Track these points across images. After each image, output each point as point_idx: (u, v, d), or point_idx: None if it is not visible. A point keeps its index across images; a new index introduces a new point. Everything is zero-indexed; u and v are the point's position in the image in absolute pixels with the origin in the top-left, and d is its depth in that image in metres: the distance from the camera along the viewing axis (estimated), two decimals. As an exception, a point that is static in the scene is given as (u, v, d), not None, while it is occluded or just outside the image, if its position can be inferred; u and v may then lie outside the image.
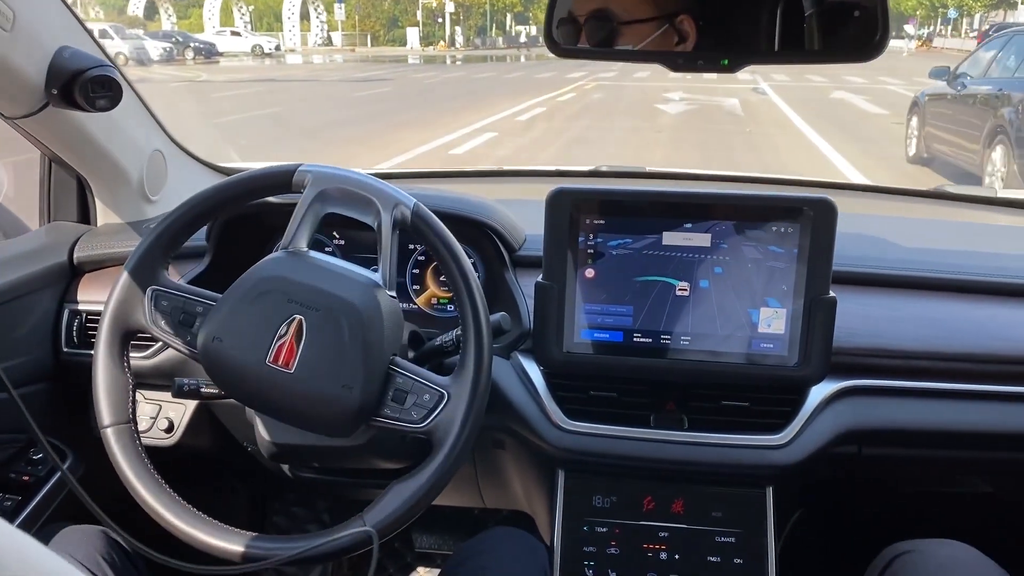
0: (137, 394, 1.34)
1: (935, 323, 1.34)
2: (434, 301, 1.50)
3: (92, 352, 1.15)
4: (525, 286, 1.39)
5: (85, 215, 1.63)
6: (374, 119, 13.59)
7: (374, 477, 1.30)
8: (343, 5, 53.10)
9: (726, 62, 0.93)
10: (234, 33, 40.20)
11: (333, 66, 33.46)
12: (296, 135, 11.99)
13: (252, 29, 41.12)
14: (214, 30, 42.40)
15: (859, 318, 1.32)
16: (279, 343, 1.04)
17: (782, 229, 1.22)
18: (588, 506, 1.34)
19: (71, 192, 1.61)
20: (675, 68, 0.95)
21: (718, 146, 10.63)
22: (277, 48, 41.50)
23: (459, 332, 1.15)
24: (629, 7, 1.01)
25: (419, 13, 57.57)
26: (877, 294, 1.39)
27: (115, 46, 29.92)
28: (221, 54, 35.91)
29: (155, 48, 31.73)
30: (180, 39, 34.87)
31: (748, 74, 23.44)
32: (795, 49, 1.05)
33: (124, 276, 1.12)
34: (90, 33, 1.37)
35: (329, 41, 53.07)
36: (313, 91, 20.60)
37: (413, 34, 54.04)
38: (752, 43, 1.05)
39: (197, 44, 35.01)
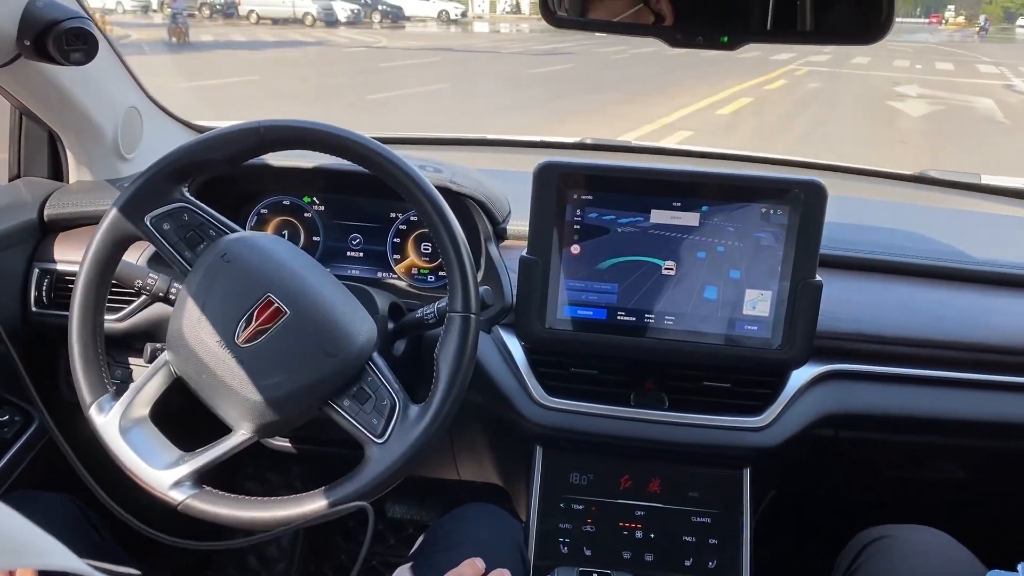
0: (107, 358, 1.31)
1: (917, 310, 1.34)
2: (415, 271, 1.48)
3: (65, 312, 1.13)
4: (508, 259, 1.37)
5: (57, 172, 1.58)
6: (541, 104, 11.80)
7: (345, 445, 1.28)
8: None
9: (726, 39, 0.91)
10: (423, -3, 39.33)
11: (517, 36, 30.74)
12: (447, 123, 9.79)
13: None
14: (405, -7, 41.94)
15: (843, 302, 1.32)
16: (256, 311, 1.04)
17: (771, 210, 1.21)
18: (565, 483, 1.33)
19: (42, 147, 1.55)
20: (673, 43, 0.93)
21: (999, 166, 7.80)
22: (464, 15, 39.36)
23: (440, 305, 1.13)
24: None
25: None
26: (861, 278, 1.39)
27: (303, 5, 30.11)
28: (408, 19, 35.11)
29: (343, 9, 31.36)
30: (369, 1, 34.27)
31: (994, 67, 20.75)
32: (790, 27, 1.02)
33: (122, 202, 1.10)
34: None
35: (518, 8, 50.19)
36: (488, 65, 18.75)
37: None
38: (745, 20, 1.03)
39: (384, 7, 34.25)
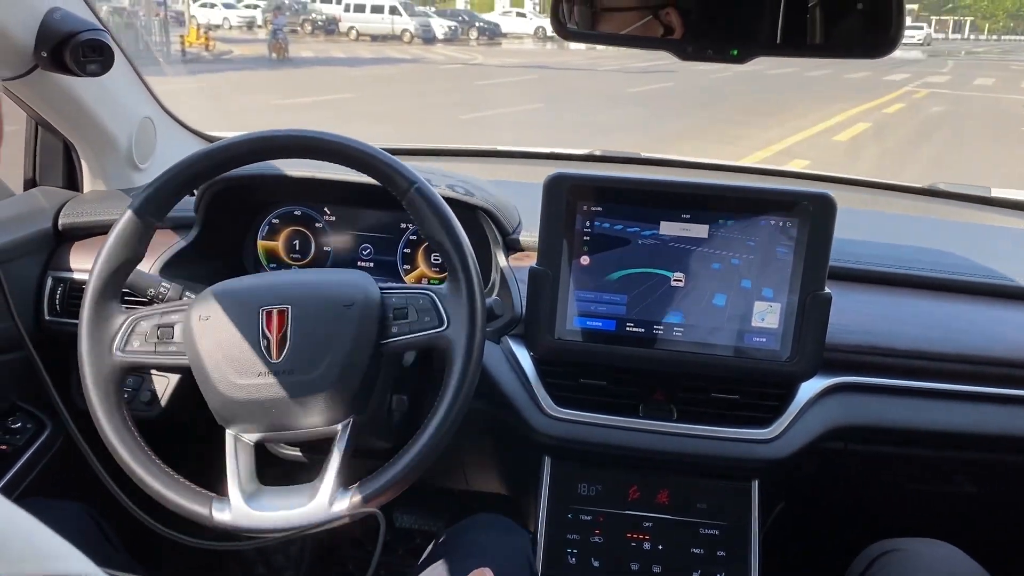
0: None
1: (927, 323, 1.34)
2: (424, 281, 1.48)
3: (75, 321, 1.13)
4: (518, 270, 1.38)
5: (71, 181, 1.59)
6: (639, 128, 11.01)
7: (358, 457, 1.29)
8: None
9: (735, 52, 0.91)
10: (519, 14, 39.25)
11: (613, 53, 28.09)
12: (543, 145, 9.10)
13: (539, 11, 39.94)
14: (502, 10, 41.49)
15: (852, 315, 1.32)
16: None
17: (780, 223, 1.21)
18: (573, 494, 1.33)
19: (57, 157, 1.57)
20: (684, 57, 0.93)
21: None
22: (560, 32, 40.14)
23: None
24: None
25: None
26: (870, 291, 1.39)
27: (402, 23, 30.69)
28: (504, 35, 35.46)
29: (440, 27, 32.08)
30: (466, 18, 35.24)
31: None
32: (800, 41, 1.03)
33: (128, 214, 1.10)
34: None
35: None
36: (584, 83, 18.05)
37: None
38: (754, 34, 1.03)
39: (481, 24, 34.72)
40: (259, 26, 30.91)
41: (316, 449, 1.42)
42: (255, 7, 32.64)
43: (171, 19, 25.15)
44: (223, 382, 1.03)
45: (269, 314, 1.04)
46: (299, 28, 28.59)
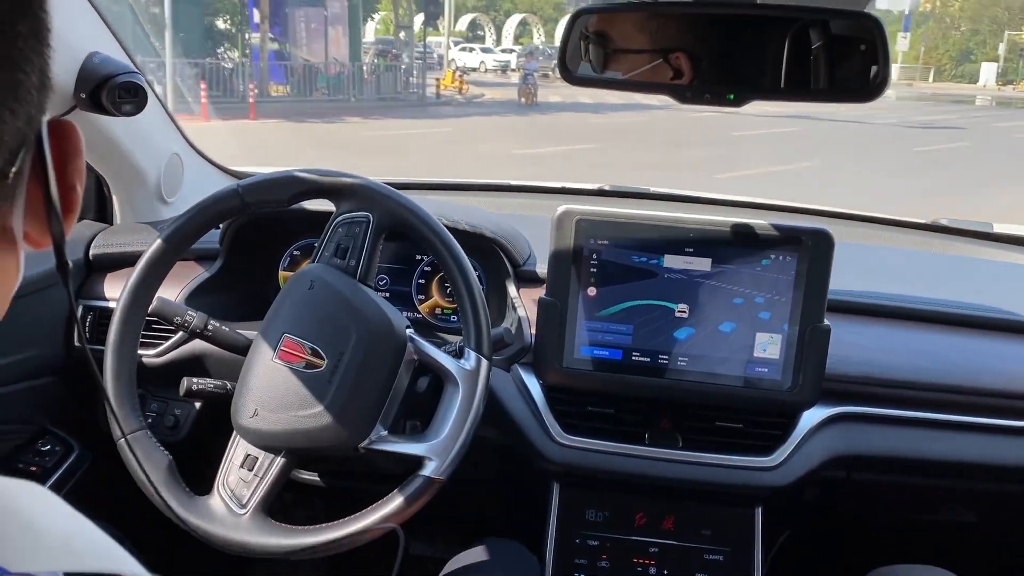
0: (143, 391, 1.39)
1: (926, 354, 1.38)
2: (438, 311, 1.54)
3: (103, 347, 1.20)
4: (528, 300, 1.43)
5: (102, 213, 1.66)
6: (951, 200, 9.32)
7: (373, 481, 1.33)
8: (907, 35, 43.49)
9: (732, 96, 0.97)
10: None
11: (883, 103, 23.94)
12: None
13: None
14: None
15: (852, 346, 1.36)
16: (300, 344, 1.14)
17: (780, 257, 1.26)
18: (581, 519, 1.37)
19: (90, 190, 1.64)
20: (683, 100, 0.99)
21: None
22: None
23: (461, 344, 1.18)
24: (625, 35, 1.04)
25: (1001, 47, 46.70)
26: (870, 324, 1.43)
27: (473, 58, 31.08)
28: None
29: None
30: None
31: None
32: (800, 86, 1.08)
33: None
34: (119, 40, 1.41)
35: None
36: (857, 139, 16.04)
37: (989, 70, 45.43)
38: (757, 79, 1.09)
39: None
40: (512, 70, 31.57)
41: (336, 474, 1.47)
42: (510, 51, 33.00)
43: (432, 62, 25.47)
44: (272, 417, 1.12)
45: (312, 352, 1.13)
46: (550, 72, 27.93)
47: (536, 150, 12.55)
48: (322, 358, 1.12)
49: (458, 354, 1.19)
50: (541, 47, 31.84)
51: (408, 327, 1.18)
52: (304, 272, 1.18)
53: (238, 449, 1.15)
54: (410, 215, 1.17)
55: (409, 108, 20.20)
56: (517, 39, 38.15)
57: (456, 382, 1.14)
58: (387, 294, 1.55)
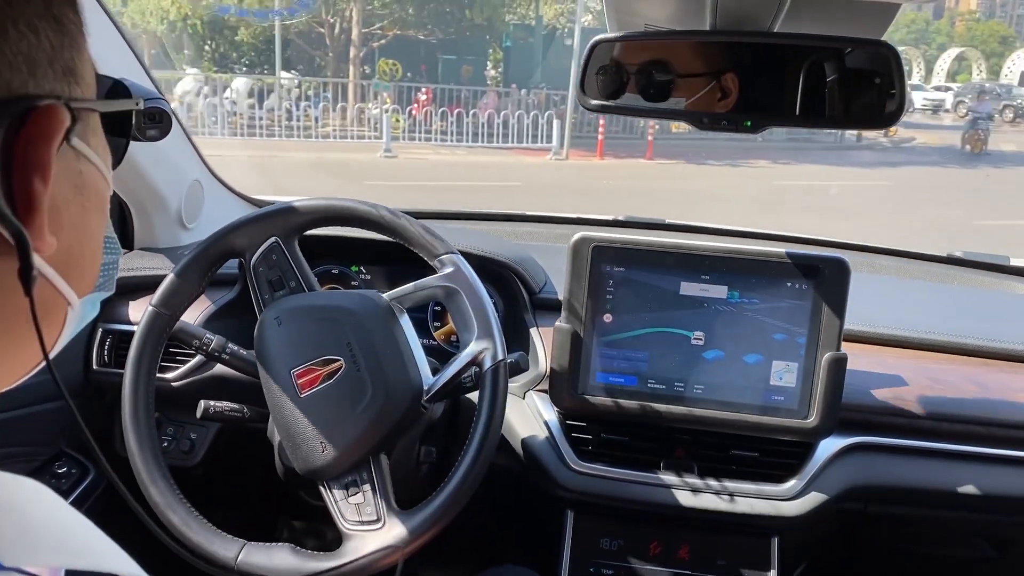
0: (158, 414, 1.39)
1: (943, 386, 1.37)
2: (453, 338, 1.54)
3: (122, 371, 1.21)
4: (543, 327, 1.43)
5: (124, 238, 1.68)
6: None
7: None
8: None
9: (748, 123, 0.98)
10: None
11: None
12: None
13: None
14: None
15: (869, 376, 1.35)
16: (310, 366, 1.11)
17: (797, 286, 1.26)
18: (595, 548, 1.36)
19: (112, 215, 1.66)
20: (700, 127, 1.00)
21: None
22: None
23: (477, 369, 1.19)
24: (687, 61, 1.05)
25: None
26: (888, 355, 1.42)
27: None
28: None
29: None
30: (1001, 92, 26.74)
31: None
32: (817, 113, 1.10)
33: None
34: (144, 66, 1.44)
35: None
36: None
37: None
38: (777, 106, 1.10)
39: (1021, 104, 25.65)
40: (946, 110, 26.71)
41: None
42: (946, 89, 28.54)
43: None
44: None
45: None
46: (998, 115, 23.10)
47: (1008, 221, 9.72)
48: (336, 360, 1.13)
49: (473, 381, 1.19)
50: (989, 86, 25.77)
51: (380, 293, 1.22)
52: (263, 320, 1.19)
53: (334, 490, 1.14)
54: (309, 211, 1.22)
55: (824, 151, 16.81)
56: (952, 76, 32.94)
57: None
58: None
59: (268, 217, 1.22)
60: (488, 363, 1.14)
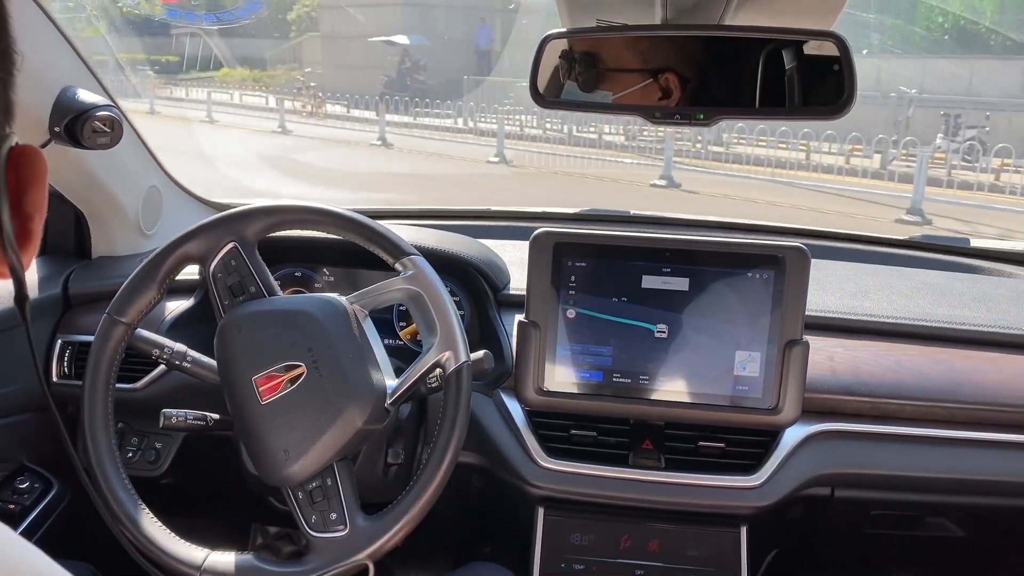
0: (123, 424, 1.38)
1: (904, 368, 1.38)
2: (419, 337, 1.53)
3: (82, 382, 1.19)
4: (509, 325, 1.43)
5: (81, 247, 1.66)
6: None
7: None
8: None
9: (701, 116, 0.98)
10: None
11: None
12: None
13: None
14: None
15: (831, 362, 1.37)
16: (272, 373, 1.10)
17: (758, 275, 1.26)
18: (566, 543, 1.36)
19: (68, 224, 1.64)
20: (654, 121, 1.00)
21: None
22: None
23: (441, 371, 1.18)
24: (617, 55, 1.06)
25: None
26: (848, 340, 1.44)
27: None
28: None
29: None
30: None
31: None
32: (773, 105, 1.10)
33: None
34: (95, 74, 1.42)
35: None
36: None
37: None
38: (733, 98, 1.11)
39: None
40: None
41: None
42: None
43: None
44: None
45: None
46: None
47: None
48: (298, 365, 1.12)
49: (437, 383, 1.19)
50: None
51: (341, 295, 1.21)
52: (223, 326, 1.18)
53: (299, 497, 1.13)
54: (268, 213, 1.21)
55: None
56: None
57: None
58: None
59: (225, 223, 1.21)
60: (451, 365, 1.14)
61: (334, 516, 1.11)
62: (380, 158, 12.01)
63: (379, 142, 12.64)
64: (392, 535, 1.09)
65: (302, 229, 1.24)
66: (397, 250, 1.18)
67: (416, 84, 16.46)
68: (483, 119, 13.62)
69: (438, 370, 1.18)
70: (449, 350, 1.15)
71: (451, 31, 18.42)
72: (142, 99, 15.39)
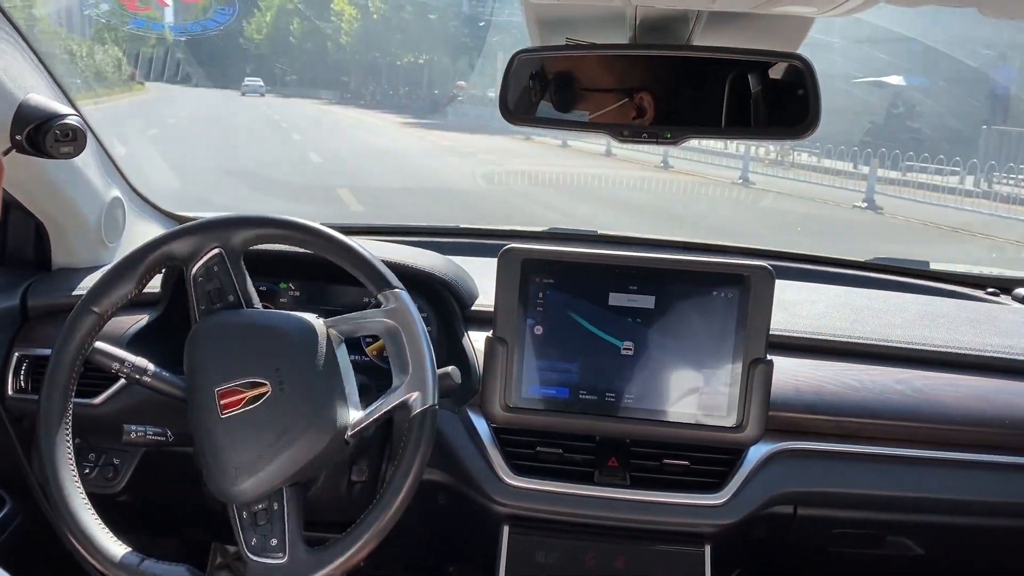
0: (81, 440, 1.35)
1: (865, 388, 1.40)
2: (385, 353, 1.52)
3: (38, 396, 1.16)
4: (477, 341, 1.43)
5: (40, 258, 1.63)
6: None
7: (320, 530, 1.30)
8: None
9: (668, 135, 0.99)
10: None
11: None
12: None
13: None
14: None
15: (794, 382, 1.38)
16: (235, 387, 1.09)
17: (723, 294, 1.27)
18: (531, 562, 1.35)
19: (28, 234, 1.61)
20: (621, 139, 1.01)
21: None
22: None
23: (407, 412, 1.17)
24: (592, 75, 1.07)
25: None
26: (814, 359, 1.45)
27: None
28: None
29: None
30: None
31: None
32: (740, 125, 1.12)
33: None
34: (59, 83, 1.40)
35: None
36: None
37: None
38: (700, 118, 1.12)
39: None
40: None
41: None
42: None
43: None
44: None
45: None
46: None
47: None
48: (263, 384, 1.10)
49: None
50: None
51: (319, 317, 1.19)
52: (196, 331, 1.17)
53: (242, 516, 1.11)
54: (258, 225, 1.19)
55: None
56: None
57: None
58: None
59: (213, 227, 1.19)
60: (418, 407, 1.13)
61: (274, 542, 1.09)
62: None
63: (864, 204, 9.88)
64: (329, 572, 1.08)
65: (288, 245, 1.22)
66: (383, 282, 1.17)
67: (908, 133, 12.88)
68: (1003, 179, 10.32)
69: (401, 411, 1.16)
70: (418, 391, 1.13)
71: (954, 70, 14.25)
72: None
